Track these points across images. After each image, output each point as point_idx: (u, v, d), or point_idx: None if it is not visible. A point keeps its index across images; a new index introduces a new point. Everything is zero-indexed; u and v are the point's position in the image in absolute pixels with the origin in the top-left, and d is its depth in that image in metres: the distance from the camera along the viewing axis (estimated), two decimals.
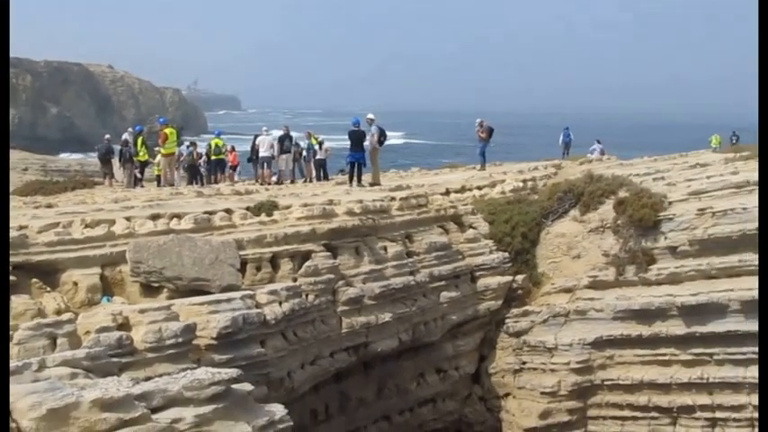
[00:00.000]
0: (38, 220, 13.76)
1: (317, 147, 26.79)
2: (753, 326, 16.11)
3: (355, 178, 21.94)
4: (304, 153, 27.69)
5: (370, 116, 22.13)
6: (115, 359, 10.20)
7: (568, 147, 36.56)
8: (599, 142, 35.82)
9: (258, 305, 13.13)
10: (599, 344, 17.33)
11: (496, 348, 18.61)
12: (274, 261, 14.55)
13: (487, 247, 18.92)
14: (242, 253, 13.84)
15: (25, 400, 6.94)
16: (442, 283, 17.52)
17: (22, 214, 14.63)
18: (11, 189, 24.11)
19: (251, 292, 13.18)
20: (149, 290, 12.76)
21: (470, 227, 19.17)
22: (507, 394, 18.22)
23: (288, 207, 16.06)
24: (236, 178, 28.95)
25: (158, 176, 26.35)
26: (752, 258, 16.66)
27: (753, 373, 16.14)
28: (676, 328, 16.87)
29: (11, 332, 10.33)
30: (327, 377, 15.24)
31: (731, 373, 16.43)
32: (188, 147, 27.81)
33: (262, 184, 24.53)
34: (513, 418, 17.84)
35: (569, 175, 23.09)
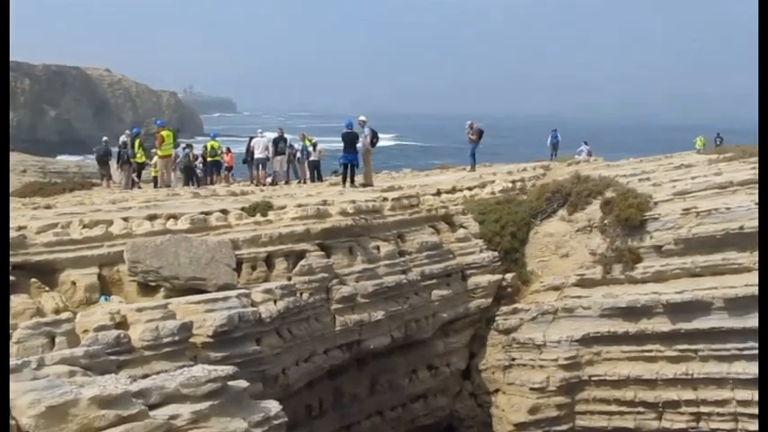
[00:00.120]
0: (37, 220, 13.90)
1: (310, 148, 26.97)
2: (736, 322, 16.53)
3: (348, 179, 22.12)
4: (298, 155, 27.98)
5: (362, 118, 22.23)
6: (113, 357, 10.33)
7: (556, 148, 36.86)
8: (586, 144, 36.18)
9: (253, 304, 13.27)
10: (586, 341, 17.62)
11: (486, 345, 18.88)
12: (269, 260, 14.71)
13: (478, 246, 19.18)
14: (237, 252, 14.00)
15: (25, 397, 7.02)
16: (434, 281, 17.75)
17: (21, 215, 14.77)
18: (10, 190, 24.20)
19: (246, 291, 13.33)
20: (147, 289, 12.90)
21: (461, 226, 19.42)
22: (497, 390, 18.47)
23: (282, 207, 16.22)
24: (230, 180, 29.21)
25: (155, 178, 26.48)
26: (735, 257, 17.07)
27: (736, 368, 16.52)
28: (662, 325, 17.19)
29: (10, 331, 10.42)
30: (321, 374, 15.40)
31: (715, 369, 16.76)
32: (184, 149, 28.04)
33: (257, 185, 24.82)
34: (503, 414, 18.08)
35: (557, 176, 23.40)
